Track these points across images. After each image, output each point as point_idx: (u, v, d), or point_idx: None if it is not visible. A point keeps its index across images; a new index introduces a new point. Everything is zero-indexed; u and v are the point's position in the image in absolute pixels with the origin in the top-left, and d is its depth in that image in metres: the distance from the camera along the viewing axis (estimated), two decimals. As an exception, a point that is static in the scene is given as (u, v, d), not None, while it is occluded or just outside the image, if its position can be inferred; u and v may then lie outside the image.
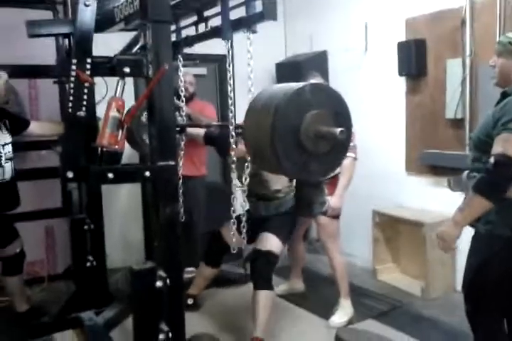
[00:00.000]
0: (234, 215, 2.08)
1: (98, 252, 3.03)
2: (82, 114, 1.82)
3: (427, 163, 3.54)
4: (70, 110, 1.81)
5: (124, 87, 1.88)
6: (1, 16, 3.45)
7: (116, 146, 1.84)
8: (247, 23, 2.08)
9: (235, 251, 2.13)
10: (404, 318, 3.14)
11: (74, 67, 1.80)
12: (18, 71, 3.11)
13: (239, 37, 2.13)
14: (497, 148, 1.74)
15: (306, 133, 1.73)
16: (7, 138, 2.85)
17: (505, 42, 1.91)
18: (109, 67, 1.85)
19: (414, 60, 3.44)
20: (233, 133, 2.10)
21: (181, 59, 2.86)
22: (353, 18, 4.11)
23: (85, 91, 1.82)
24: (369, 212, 3.84)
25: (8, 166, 2.83)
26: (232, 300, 3.41)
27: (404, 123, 3.76)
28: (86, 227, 2.96)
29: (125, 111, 1.88)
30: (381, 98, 3.94)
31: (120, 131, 1.85)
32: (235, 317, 3.15)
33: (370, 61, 4.01)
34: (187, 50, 2.73)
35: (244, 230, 2.06)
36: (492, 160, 1.73)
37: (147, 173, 1.84)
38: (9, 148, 2.85)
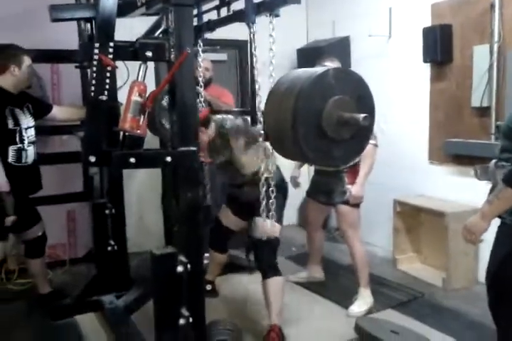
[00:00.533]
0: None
1: (119, 236, 3.07)
2: (104, 98, 1.82)
3: (451, 152, 3.47)
4: (92, 94, 1.81)
5: (146, 72, 1.87)
6: (24, 0, 3.45)
7: (138, 131, 1.84)
8: (270, 7, 2.05)
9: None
10: (425, 309, 3.11)
11: (97, 51, 1.80)
12: (40, 56, 3.14)
13: (259, 22, 2.10)
14: None
15: (328, 118, 1.71)
16: (30, 121, 2.87)
17: None
18: (131, 51, 1.83)
19: (440, 46, 3.35)
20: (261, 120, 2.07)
21: (201, 44, 2.84)
22: (377, 3, 4.02)
23: (108, 75, 1.82)
24: (390, 201, 3.79)
25: (31, 150, 2.85)
26: (250, 286, 3.40)
27: (428, 112, 3.68)
28: (107, 212, 2.98)
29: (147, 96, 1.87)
30: (405, 85, 3.86)
31: (142, 116, 1.85)
32: (252, 302, 3.15)
33: (394, 47, 3.93)
34: (207, 36, 2.71)
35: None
36: None
37: (168, 158, 1.85)
38: (32, 131, 2.87)
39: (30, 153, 2.85)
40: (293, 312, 3.02)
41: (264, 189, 2.21)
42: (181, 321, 1.86)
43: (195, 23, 2.79)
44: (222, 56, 4.42)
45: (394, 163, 3.93)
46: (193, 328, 1.90)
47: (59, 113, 2.99)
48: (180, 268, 1.84)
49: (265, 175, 2.22)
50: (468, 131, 3.35)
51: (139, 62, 1.90)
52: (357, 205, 3.10)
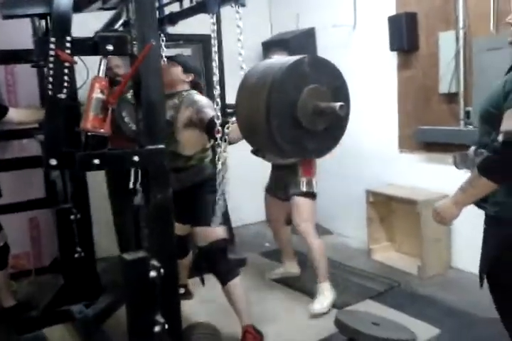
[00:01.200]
0: None
1: (86, 242, 2.94)
2: (63, 96, 1.69)
3: (421, 140, 3.47)
4: (50, 92, 1.68)
5: (106, 66, 1.76)
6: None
7: (102, 130, 1.73)
8: (235, -4, 1.98)
9: None
10: (402, 297, 3.11)
11: (53, 46, 1.67)
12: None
13: (224, 14, 2.03)
14: (507, 124, 1.58)
15: (303, 108, 1.65)
16: None
17: None
18: (90, 45, 1.71)
19: (406, 34, 3.34)
20: (218, 114, 2.01)
21: (164, 38, 2.74)
22: (340, -7, 3.98)
23: (66, 71, 1.70)
24: (362, 192, 3.77)
25: None
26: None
27: (396, 100, 3.67)
28: (72, 217, 2.86)
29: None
30: (372, 74, 3.84)
31: (105, 114, 1.73)
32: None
33: (359, 37, 3.90)
34: (170, 30, 2.61)
35: None
36: (500, 138, 1.59)
37: (136, 158, 1.75)
38: None
39: None
40: (271, 309, 2.98)
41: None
42: (156, 328, 1.78)
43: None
44: (186, 51, 4.30)
45: (364, 153, 3.93)
46: (169, 334, 1.81)
47: (15, 115, 2.81)
48: (153, 273, 1.76)
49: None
50: (437, 118, 3.35)
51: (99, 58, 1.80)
52: (312, 197, 2.99)
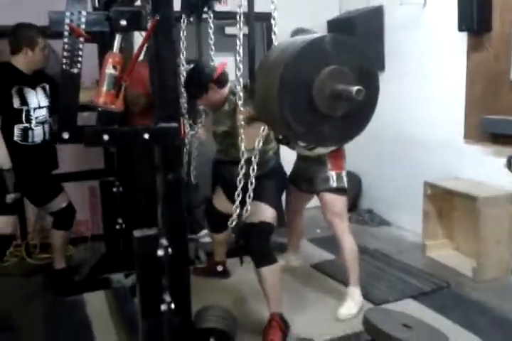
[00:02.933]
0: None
1: (129, 215, 3.02)
2: (75, 71, 1.71)
3: (488, 130, 3.14)
4: (64, 67, 1.71)
5: (121, 42, 1.75)
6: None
7: (113, 106, 1.73)
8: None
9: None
10: (448, 300, 2.88)
11: (68, 21, 1.69)
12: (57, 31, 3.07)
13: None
14: None
15: (320, 89, 1.55)
16: (42, 101, 2.85)
17: None
18: (104, 20, 1.71)
19: (476, 12, 2.99)
20: (241, 94, 1.99)
21: (211, 15, 2.73)
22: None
23: (80, 46, 1.71)
24: (422, 182, 3.50)
25: (39, 129, 2.82)
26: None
27: (464, 85, 3.34)
28: (115, 190, 2.95)
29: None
30: (440, 56, 3.52)
31: (117, 90, 1.73)
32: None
33: (429, 16, 3.57)
34: (231, 9, 2.56)
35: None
36: None
37: (146, 136, 1.73)
38: (43, 111, 2.84)
39: (38, 133, 2.82)
40: (303, 297, 2.91)
41: (243, 170, 2.10)
42: (163, 307, 1.79)
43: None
44: (244, 29, 4.23)
45: (427, 141, 3.67)
46: (178, 314, 1.81)
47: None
48: (160, 252, 1.75)
49: (246, 156, 2.09)
50: (507, 108, 3.01)
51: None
52: (343, 192, 2.77)
